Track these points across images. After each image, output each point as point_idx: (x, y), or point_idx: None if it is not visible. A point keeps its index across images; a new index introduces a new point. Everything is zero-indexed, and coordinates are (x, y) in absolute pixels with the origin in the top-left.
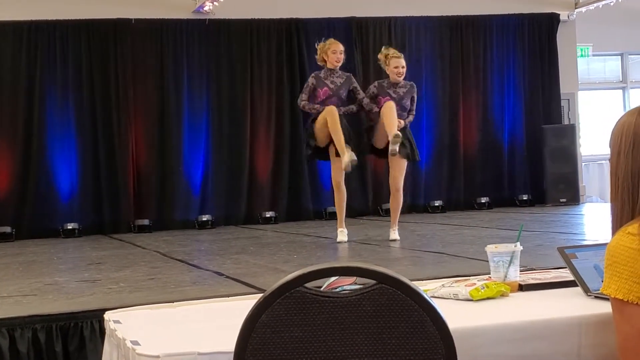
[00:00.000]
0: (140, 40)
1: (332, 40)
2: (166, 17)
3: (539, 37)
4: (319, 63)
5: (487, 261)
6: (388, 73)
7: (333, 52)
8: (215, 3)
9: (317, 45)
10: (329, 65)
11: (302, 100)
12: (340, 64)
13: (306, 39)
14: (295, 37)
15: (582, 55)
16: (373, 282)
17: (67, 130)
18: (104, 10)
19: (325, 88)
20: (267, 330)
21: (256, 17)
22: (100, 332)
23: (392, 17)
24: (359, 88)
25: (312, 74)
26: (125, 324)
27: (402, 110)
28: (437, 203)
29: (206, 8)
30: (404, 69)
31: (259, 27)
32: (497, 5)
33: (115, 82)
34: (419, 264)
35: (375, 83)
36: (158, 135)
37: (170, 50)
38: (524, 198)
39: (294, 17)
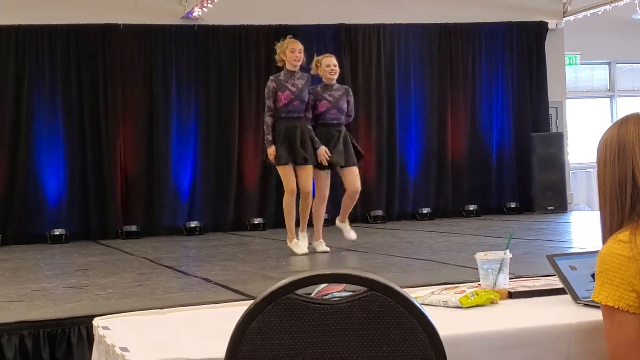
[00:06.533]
0: (129, 45)
1: (290, 38)
2: (155, 23)
3: (527, 45)
4: (278, 64)
5: (476, 268)
6: (321, 75)
7: (291, 50)
8: (204, 9)
9: (276, 45)
10: (287, 66)
11: (267, 112)
12: (299, 64)
13: None
14: None
15: (570, 64)
16: (363, 289)
17: (55, 135)
18: (92, 16)
19: (287, 92)
20: (258, 337)
21: (245, 24)
22: (87, 338)
23: (381, 24)
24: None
25: (271, 77)
26: (114, 331)
27: (339, 113)
28: (425, 210)
29: (195, 14)
30: (337, 67)
31: (248, 33)
32: (486, 13)
33: (104, 87)
34: (407, 271)
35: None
36: (146, 140)
37: (158, 56)
38: (512, 206)
39: (283, 23)
